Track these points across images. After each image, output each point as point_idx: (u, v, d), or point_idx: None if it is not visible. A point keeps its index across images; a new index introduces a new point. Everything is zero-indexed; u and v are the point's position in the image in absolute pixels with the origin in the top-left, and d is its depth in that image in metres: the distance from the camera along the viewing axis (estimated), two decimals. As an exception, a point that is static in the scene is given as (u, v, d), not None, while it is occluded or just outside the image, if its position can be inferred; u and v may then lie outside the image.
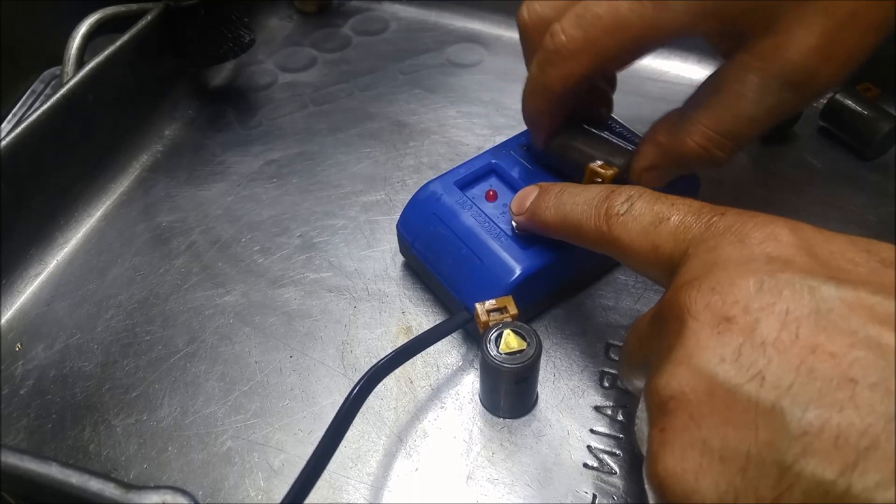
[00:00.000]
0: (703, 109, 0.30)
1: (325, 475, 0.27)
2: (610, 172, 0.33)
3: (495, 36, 0.55)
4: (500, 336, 0.30)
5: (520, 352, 0.30)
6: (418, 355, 0.32)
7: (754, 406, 0.19)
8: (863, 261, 0.21)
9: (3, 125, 0.50)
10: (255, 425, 0.33)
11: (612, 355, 0.35)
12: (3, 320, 0.39)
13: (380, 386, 0.30)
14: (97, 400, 0.35)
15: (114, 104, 0.45)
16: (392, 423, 0.33)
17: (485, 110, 0.49)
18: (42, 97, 0.52)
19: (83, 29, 0.45)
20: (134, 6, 0.47)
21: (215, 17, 0.48)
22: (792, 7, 0.28)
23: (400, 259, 0.40)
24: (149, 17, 0.47)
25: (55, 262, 0.42)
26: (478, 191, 0.37)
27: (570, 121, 0.35)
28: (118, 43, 0.45)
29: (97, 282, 0.40)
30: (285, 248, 0.41)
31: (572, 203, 0.30)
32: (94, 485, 0.24)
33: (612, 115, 0.39)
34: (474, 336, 0.35)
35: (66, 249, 0.42)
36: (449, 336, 0.34)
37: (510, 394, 0.32)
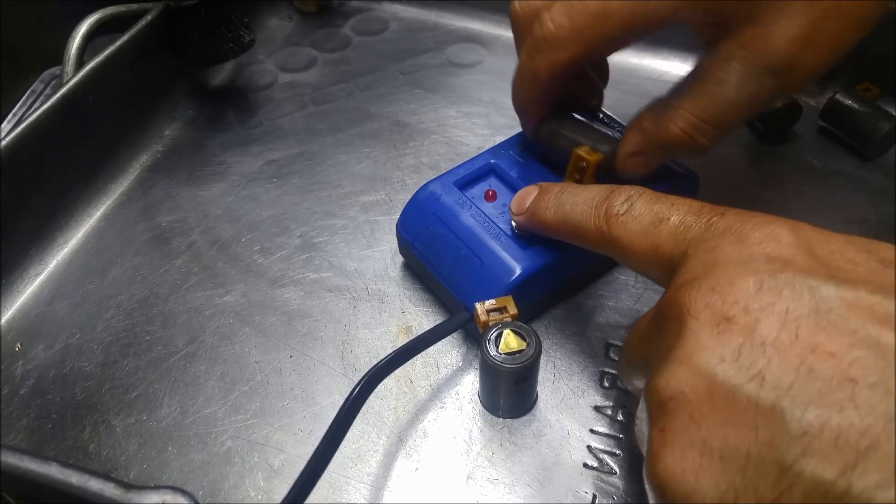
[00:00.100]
0: (687, 96, 0.31)
1: (326, 475, 0.27)
2: (594, 157, 0.33)
3: (495, 36, 0.55)
4: (499, 336, 0.30)
5: (519, 352, 0.30)
6: (418, 355, 0.32)
7: (754, 406, 0.19)
8: (862, 260, 0.21)
9: (3, 125, 0.50)
10: (255, 425, 0.33)
11: (612, 355, 0.35)
12: (3, 320, 0.39)
13: (380, 386, 0.30)
14: (97, 400, 0.35)
15: (114, 104, 0.45)
16: (392, 423, 0.33)
17: (485, 110, 0.49)
18: (42, 97, 0.52)
19: (83, 29, 0.45)
20: (134, 6, 0.47)
21: (215, 17, 0.48)
22: None
23: (400, 259, 0.40)
24: (149, 17, 0.47)
25: (55, 262, 0.42)
26: (477, 191, 0.37)
27: (559, 109, 0.36)
28: (118, 43, 0.45)
29: (97, 282, 0.40)
30: (285, 248, 0.41)
31: (572, 203, 0.30)
32: (94, 485, 0.24)
33: (607, 111, 0.39)
34: (474, 336, 0.35)
35: (66, 249, 0.42)
36: (449, 336, 0.34)
37: (510, 394, 0.32)
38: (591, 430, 0.32)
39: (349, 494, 0.31)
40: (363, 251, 0.41)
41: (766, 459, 0.18)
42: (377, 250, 0.41)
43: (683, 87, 0.31)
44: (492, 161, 0.37)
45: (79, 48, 0.45)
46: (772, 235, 0.22)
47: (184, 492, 0.24)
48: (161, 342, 0.37)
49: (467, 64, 0.53)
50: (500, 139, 0.40)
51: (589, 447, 0.32)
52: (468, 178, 0.37)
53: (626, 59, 0.49)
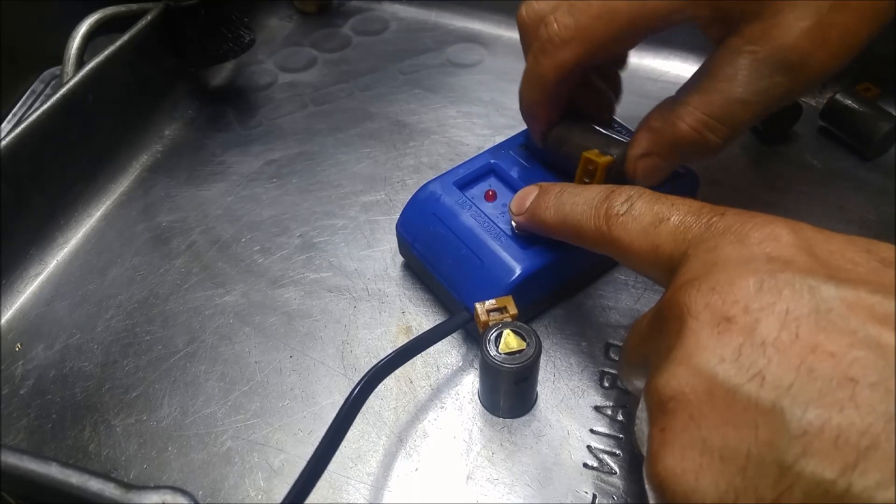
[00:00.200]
0: (695, 93, 0.30)
1: (326, 475, 0.27)
2: (604, 160, 0.32)
3: (495, 36, 0.55)
4: (499, 336, 0.30)
5: (519, 352, 0.30)
6: (418, 355, 0.32)
7: (754, 406, 0.19)
8: (862, 260, 0.21)
9: (3, 125, 0.50)
10: (255, 425, 0.33)
11: (612, 355, 0.35)
12: (3, 320, 0.39)
13: (380, 386, 0.30)
14: (97, 400, 0.35)
15: (114, 104, 0.45)
16: (392, 423, 0.33)
17: (485, 110, 0.49)
18: (42, 97, 0.52)
19: (83, 29, 0.45)
20: (134, 6, 0.47)
21: (215, 17, 0.48)
22: None
23: (400, 259, 0.40)
24: (149, 17, 0.47)
25: (55, 262, 0.42)
26: (477, 191, 0.37)
27: (568, 116, 0.35)
28: (118, 43, 0.45)
29: (97, 282, 0.40)
30: (285, 248, 0.41)
31: (572, 203, 0.30)
32: (94, 485, 0.24)
33: (618, 119, 0.39)
34: (474, 336, 0.35)
35: (66, 249, 0.42)
36: (449, 336, 0.34)
37: (510, 394, 0.32)
38: (591, 430, 0.32)
39: (349, 494, 0.31)
40: (363, 251, 0.41)
41: (767, 459, 0.18)
42: (377, 250, 0.41)
43: (692, 85, 0.31)
44: (492, 161, 0.37)
45: (79, 48, 0.45)
46: (772, 235, 0.22)
47: (184, 492, 0.24)
48: (161, 342, 0.37)
49: (467, 64, 0.53)
50: (500, 139, 0.40)
51: (589, 447, 0.32)
52: (468, 178, 0.37)
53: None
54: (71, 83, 0.42)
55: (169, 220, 0.44)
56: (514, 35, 0.54)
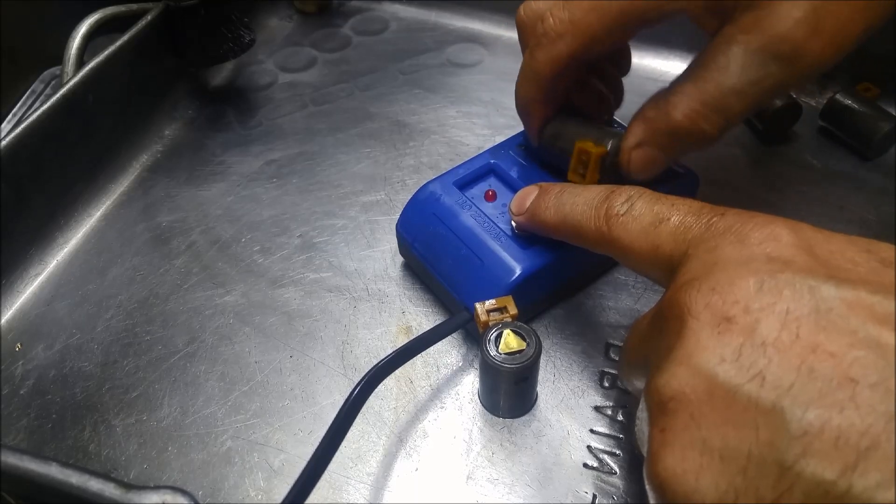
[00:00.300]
0: (690, 83, 0.30)
1: (326, 475, 0.27)
2: (598, 150, 0.32)
3: (495, 36, 0.55)
4: (499, 336, 0.30)
5: (519, 352, 0.30)
6: (418, 355, 0.32)
7: (754, 406, 0.19)
8: (862, 260, 0.21)
9: (3, 125, 0.50)
10: (255, 425, 0.33)
11: (612, 355, 0.35)
12: (3, 320, 0.39)
13: (380, 386, 0.30)
14: (97, 400, 0.35)
15: (114, 104, 0.45)
16: (392, 423, 0.33)
17: (485, 110, 0.49)
18: (42, 97, 0.52)
19: (83, 29, 0.45)
20: (134, 6, 0.47)
21: (215, 17, 0.48)
22: None
23: (400, 259, 0.40)
24: (149, 17, 0.47)
25: (55, 262, 0.42)
26: (477, 191, 0.37)
27: (563, 112, 0.35)
28: (118, 43, 0.45)
29: (97, 282, 0.40)
30: (285, 248, 0.41)
31: (572, 203, 0.30)
32: (94, 485, 0.24)
33: (617, 118, 0.39)
34: (474, 336, 0.35)
35: (66, 249, 0.42)
36: (449, 336, 0.34)
37: (510, 394, 0.32)
38: (591, 430, 0.32)
39: (349, 494, 0.31)
40: (363, 251, 0.41)
41: (767, 459, 0.18)
42: (377, 250, 0.41)
43: (687, 75, 0.31)
44: (492, 161, 0.37)
45: (79, 48, 0.45)
46: (772, 235, 0.22)
47: (184, 492, 0.24)
48: (161, 342, 0.37)
49: (467, 64, 0.53)
50: (500, 139, 0.40)
51: (589, 447, 0.32)
52: (468, 178, 0.37)
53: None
54: (71, 83, 0.42)
55: (169, 220, 0.44)
56: (514, 35, 0.54)
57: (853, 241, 0.22)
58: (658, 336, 0.23)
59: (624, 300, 0.37)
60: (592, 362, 0.35)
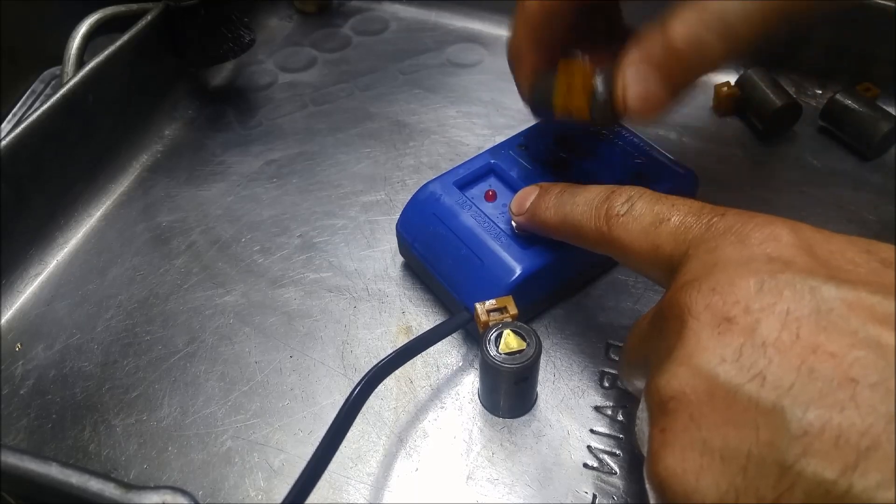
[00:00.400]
0: (692, 1, 0.28)
1: (326, 475, 0.27)
2: (583, 75, 0.30)
3: (495, 36, 0.55)
4: (499, 336, 0.30)
5: (520, 352, 0.30)
6: (418, 355, 0.32)
7: (755, 406, 0.19)
8: (863, 261, 0.21)
9: (3, 125, 0.50)
10: (255, 425, 0.33)
11: (612, 355, 0.35)
12: (3, 320, 0.39)
13: (380, 386, 0.30)
14: (97, 400, 0.35)
15: (114, 104, 0.45)
16: (392, 423, 0.33)
17: (485, 110, 0.49)
18: (42, 97, 0.52)
19: (83, 29, 0.45)
20: (134, 6, 0.47)
21: (215, 17, 0.48)
22: None
23: (400, 259, 0.40)
24: (149, 17, 0.47)
25: (55, 262, 0.42)
26: (477, 191, 0.37)
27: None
28: (118, 43, 0.45)
29: (97, 282, 0.40)
30: (285, 248, 0.41)
31: (572, 203, 0.30)
32: (94, 485, 0.24)
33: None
34: (474, 336, 0.35)
35: (66, 249, 0.42)
36: (449, 336, 0.34)
37: (510, 394, 0.32)
38: (591, 430, 0.32)
39: (349, 494, 0.31)
40: (363, 251, 0.41)
41: (767, 459, 0.18)
42: (377, 250, 0.41)
43: None
44: (492, 161, 0.37)
45: (79, 48, 0.45)
46: (772, 236, 0.22)
47: (184, 492, 0.24)
48: (161, 342, 0.37)
49: (467, 64, 0.53)
50: (500, 139, 0.40)
51: (589, 447, 0.32)
52: (468, 178, 0.37)
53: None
54: (71, 83, 0.42)
55: (169, 220, 0.44)
56: (514, 35, 0.55)
57: (853, 241, 0.22)
58: (658, 336, 0.23)
59: (624, 300, 0.37)
60: (592, 362, 0.35)
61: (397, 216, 0.37)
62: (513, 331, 0.30)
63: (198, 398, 0.35)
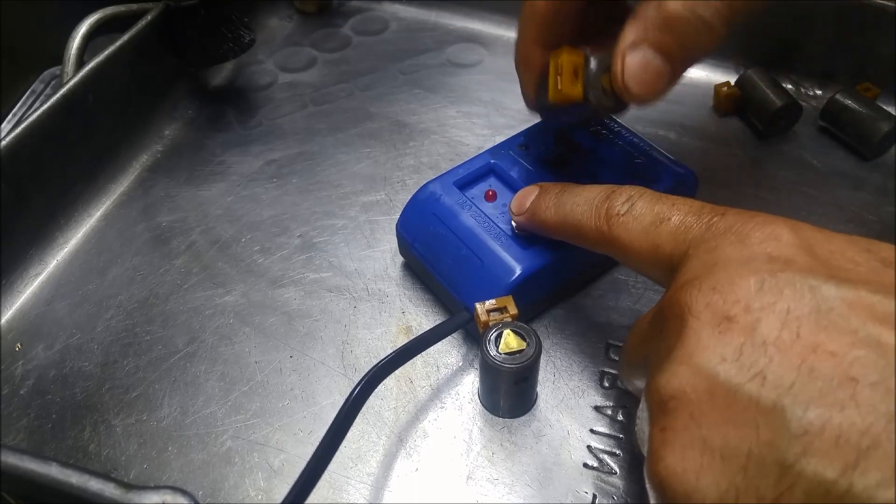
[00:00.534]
0: None
1: (326, 475, 0.27)
2: (572, 57, 0.30)
3: (495, 36, 0.55)
4: (499, 336, 0.30)
5: (520, 352, 0.30)
6: (418, 355, 0.32)
7: (755, 405, 0.19)
8: (863, 260, 0.21)
9: (3, 125, 0.50)
10: (255, 425, 0.33)
11: (612, 355, 0.35)
12: (3, 320, 0.39)
13: (380, 386, 0.30)
14: (97, 400, 0.35)
15: (114, 104, 0.45)
16: (392, 423, 0.33)
17: (485, 110, 0.49)
18: (42, 97, 0.52)
19: (83, 29, 0.45)
20: (134, 6, 0.47)
21: (215, 17, 0.48)
22: None
23: (400, 259, 0.40)
24: (149, 17, 0.47)
25: (55, 262, 0.42)
26: (477, 191, 0.37)
27: None
28: (118, 43, 0.45)
29: (97, 282, 0.40)
30: (285, 248, 0.41)
31: (572, 203, 0.30)
32: (94, 485, 0.24)
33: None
34: (474, 336, 0.35)
35: (66, 249, 0.42)
36: (449, 336, 0.34)
37: (510, 394, 0.32)
38: (591, 430, 0.32)
39: (349, 494, 0.31)
40: (363, 251, 0.41)
41: (768, 459, 0.18)
42: (377, 250, 0.41)
43: None
44: (492, 161, 0.37)
45: (79, 48, 0.45)
46: (772, 235, 0.22)
47: (184, 492, 0.24)
48: (161, 342, 0.37)
49: (467, 64, 0.53)
50: (500, 139, 0.40)
51: (589, 447, 0.32)
52: (468, 178, 0.37)
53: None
54: (71, 83, 0.42)
55: (169, 220, 0.44)
56: (514, 35, 0.54)
57: (853, 240, 0.22)
58: (658, 336, 0.23)
59: (624, 300, 0.37)
60: (592, 362, 0.35)
61: (397, 216, 0.37)
62: (513, 331, 0.30)
63: (198, 398, 0.35)
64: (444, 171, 0.37)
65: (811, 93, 0.48)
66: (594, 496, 0.30)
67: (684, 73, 0.29)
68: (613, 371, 0.34)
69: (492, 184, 0.37)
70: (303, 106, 0.51)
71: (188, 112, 0.51)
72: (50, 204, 0.42)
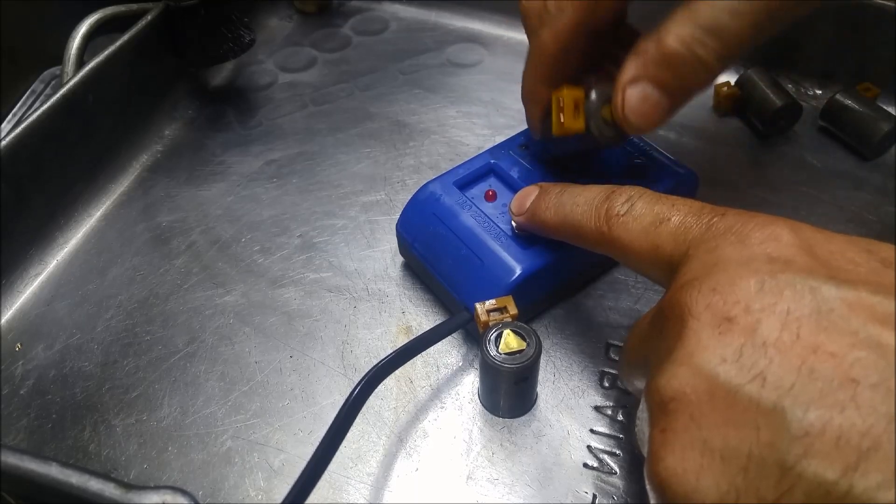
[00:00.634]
0: (682, 6, 0.28)
1: (326, 475, 0.27)
2: (573, 92, 0.31)
3: (495, 36, 0.55)
4: (499, 336, 0.30)
5: (520, 352, 0.30)
6: (418, 355, 0.32)
7: (755, 406, 0.19)
8: (863, 261, 0.21)
9: (3, 125, 0.50)
10: (255, 425, 0.33)
11: (612, 355, 0.35)
12: (3, 320, 0.39)
13: (380, 386, 0.30)
14: (97, 400, 0.35)
15: (114, 104, 0.45)
16: (392, 423, 0.33)
17: (485, 110, 0.49)
18: (42, 97, 0.52)
19: (83, 29, 0.45)
20: (134, 6, 0.47)
21: (215, 17, 0.48)
22: None
23: (400, 259, 0.40)
24: (149, 17, 0.47)
25: (55, 262, 0.42)
26: (477, 191, 0.37)
27: None
28: (118, 43, 0.45)
29: (97, 282, 0.40)
30: (285, 248, 0.41)
31: (572, 203, 0.30)
32: (94, 485, 0.24)
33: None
34: (474, 336, 0.35)
35: (66, 249, 0.42)
36: (449, 336, 0.34)
37: (510, 394, 0.32)
38: (591, 430, 0.32)
39: (349, 494, 0.31)
40: (363, 251, 0.41)
41: (768, 460, 0.18)
42: (377, 250, 0.41)
43: (682, 4, 0.29)
44: (492, 161, 0.37)
45: (79, 48, 0.45)
46: (772, 236, 0.22)
47: (184, 492, 0.24)
48: (161, 342, 0.37)
49: (467, 64, 0.53)
50: (500, 139, 0.40)
51: (589, 447, 0.32)
52: (468, 178, 0.37)
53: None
54: (71, 83, 0.42)
55: (169, 220, 0.44)
56: (513, 35, 0.55)
57: (853, 241, 0.22)
58: (658, 336, 0.23)
59: (624, 300, 0.37)
60: (592, 362, 0.35)
61: (397, 216, 0.37)
62: (513, 331, 0.30)
63: (198, 398, 0.35)
64: (444, 171, 0.37)
65: (811, 93, 0.48)
66: (594, 496, 0.30)
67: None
68: (613, 371, 0.34)
69: (492, 184, 0.37)
70: (303, 106, 0.51)
71: (188, 112, 0.51)
72: (50, 204, 0.42)
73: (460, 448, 0.32)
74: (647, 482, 0.22)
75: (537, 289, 0.34)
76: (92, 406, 0.35)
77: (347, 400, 0.28)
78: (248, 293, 0.39)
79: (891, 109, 0.44)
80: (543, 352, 0.31)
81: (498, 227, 0.34)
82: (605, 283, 0.38)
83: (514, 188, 0.35)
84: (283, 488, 0.27)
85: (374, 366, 0.30)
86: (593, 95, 0.31)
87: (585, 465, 0.31)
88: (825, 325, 0.19)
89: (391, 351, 0.30)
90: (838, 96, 0.44)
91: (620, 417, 0.33)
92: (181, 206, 0.44)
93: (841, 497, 0.17)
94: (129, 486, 0.24)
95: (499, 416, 0.33)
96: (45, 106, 0.40)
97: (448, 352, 0.35)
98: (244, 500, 0.31)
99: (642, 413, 0.23)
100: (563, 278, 0.36)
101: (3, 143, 0.38)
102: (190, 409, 0.34)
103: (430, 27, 0.57)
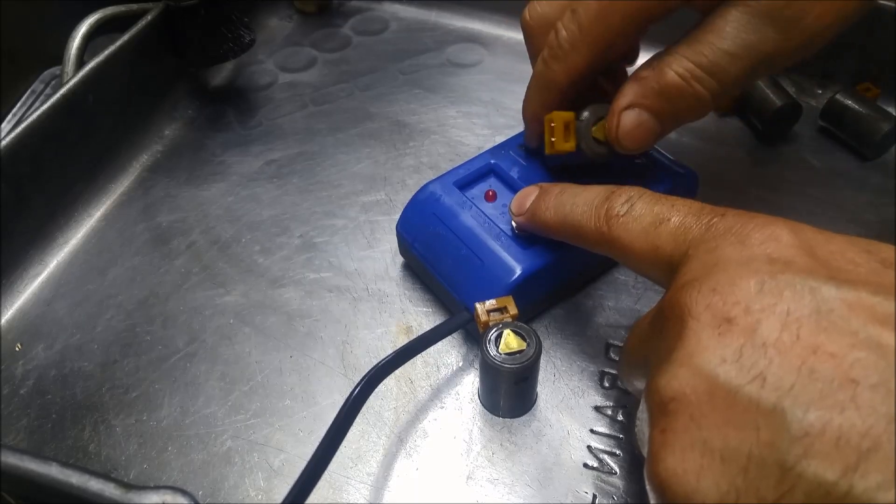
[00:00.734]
0: (684, 44, 0.30)
1: (326, 475, 0.27)
2: (563, 115, 0.32)
3: (495, 36, 0.55)
4: (499, 336, 0.30)
5: (520, 352, 0.30)
6: (418, 355, 0.32)
7: (755, 407, 0.19)
8: (863, 261, 0.21)
9: (3, 125, 0.50)
10: (255, 425, 0.33)
11: (612, 355, 0.35)
12: (3, 320, 0.39)
13: (380, 386, 0.30)
14: (97, 400, 0.35)
15: (114, 104, 0.45)
16: (392, 423, 0.33)
17: (485, 110, 0.49)
18: (42, 97, 0.52)
19: (83, 29, 0.45)
20: (134, 6, 0.47)
21: (215, 17, 0.48)
22: None
23: (400, 259, 0.40)
24: (149, 17, 0.47)
25: (55, 262, 0.42)
26: (477, 191, 0.37)
27: None
28: (118, 43, 0.45)
29: (97, 282, 0.40)
30: (285, 248, 0.41)
31: (572, 204, 0.30)
32: (94, 485, 0.24)
33: None
34: (474, 336, 0.35)
35: (66, 249, 0.42)
36: (449, 336, 0.34)
37: (510, 394, 0.32)
38: (591, 430, 0.32)
39: (349, 494, 0.31)
40: (363, 251, 0.41)
41: (768, 460, 0.18)
42: (377, 250, 0.41)
43: (683, 38, 0.30)
44: (492, 161, 0.37)
45: (79, 48, 0.45)
46: (772, 236, 0.22)
47: (184, 492, 0.24)
48: (161, 342, 0.37)
49: (467, 64, 0.53)
50: (500, 139, 0.40)
51: (589, 447, 0.32)
52: (468, 178, 0.37)
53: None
54: (71, 83, 0.42)
55: (169, 220, 0.44)
56: (514, 35, 0.55)
57: (853, 241, 0.22)
58: (658, 337, 0.23)
59: (624, 300, 0.37)
60: (592, 362, 0.35)
61: (397, 216, 0.37)
62: (513, 331, 0.30)
63: (198, 398, 0.35)
64: (444, 172, 0.37)
65: (811, 93, 0.48)
66: (594, 496, 0.30)
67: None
68: (613, 371, 0.34)
69: (492, 184, 0.37)
70: (303, 106, 0.51)
71: (188, 112, 0.51)
72: (50, 204, 0.42)
73: (460, 448, 0.32)
74: (647, 482, 0.22)
75: (537, 289, 0.34)
76: (92, 406, 0.35)
77: (347, 400, 0.28)
78: (249, 293, 0.39)
79: (891, 109, 0.44)
80: (543, 352, 0.31)
81: (498, 227, 0.34)
82: (605, 283, 0.38)
83: (514, 188, 0.35)
84: (283, 488, 0.27)
85: (375, 366, 0.30)
86: (584, 116, 0.33)
87: (585, 465, 0.31)
88: (825, 326, 0.19)
89: (391, 351, 0.30)
90: (838, 96, 0.44)
91: (620, 417, 0.33)
92: (181, 206, 0.44)
93: (841, 497, 0.17)
94: (129, 486, 0.24)
95: (499, 416, 0.33)
96: (45, 106, 0.40)
97: (448, 352, 0.35)
98: (244, 500, 0.31)
99: (642, 413, 0.23)
100: (563, 278, 0.36)
101: (3, 143, 0.38)
102: (190, 409, 0.34)
103: (430, 27, 0.57)
